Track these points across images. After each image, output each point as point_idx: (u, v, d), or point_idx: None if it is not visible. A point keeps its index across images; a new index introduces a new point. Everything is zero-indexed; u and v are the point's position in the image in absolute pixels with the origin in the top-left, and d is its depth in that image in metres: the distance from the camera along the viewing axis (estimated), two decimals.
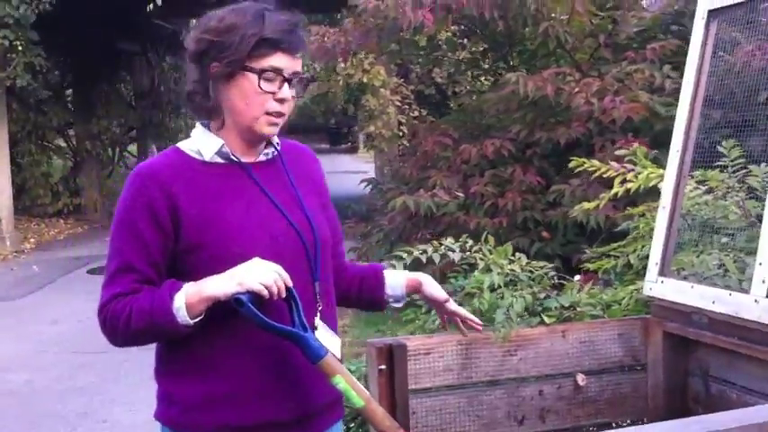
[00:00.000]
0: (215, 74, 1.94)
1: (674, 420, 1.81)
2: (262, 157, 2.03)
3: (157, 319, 1.86)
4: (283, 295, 1.88)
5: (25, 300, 8.92)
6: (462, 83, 10.55)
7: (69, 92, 17.13)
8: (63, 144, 16.80)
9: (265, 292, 1.84)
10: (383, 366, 2.59)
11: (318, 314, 2.00)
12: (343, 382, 1.96)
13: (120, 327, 1.89)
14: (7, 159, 12.04)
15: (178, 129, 19.47)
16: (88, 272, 10.21)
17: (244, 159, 2.00)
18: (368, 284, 2.27)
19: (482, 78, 9.15)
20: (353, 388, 1.99)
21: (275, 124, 1.98)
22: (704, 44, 2.87)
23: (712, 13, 2.85)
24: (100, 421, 5.30)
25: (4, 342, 7.25)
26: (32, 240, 12.68)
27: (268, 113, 1.95)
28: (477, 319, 2.37)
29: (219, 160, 1.98)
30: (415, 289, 2.29)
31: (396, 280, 2.27)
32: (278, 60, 1.93)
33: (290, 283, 1.88)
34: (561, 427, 2.82)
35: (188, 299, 1.85)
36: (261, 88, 1.92)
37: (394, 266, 2.88)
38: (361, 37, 7.13)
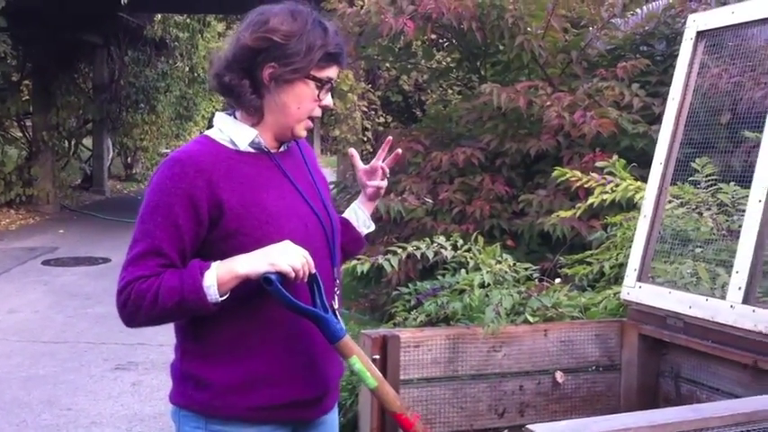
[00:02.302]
0: (272, 74, 2.00)
1: (672, 408, 1.93)
2: (282, 148, 2.13)
3: (188, 297, 1.89)
4: (306, 279, 1.97)
5: None
6: (429, 91, 10.67)
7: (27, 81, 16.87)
8: (19, 134, 16.55)
9: (293, 275, 1.92)
10: (377, 356, 2.69)
11: (336, 297, 2.11)
12: (359, 362, 2.05)
13: (145, 305, 1.92)
14: None
15: (134, 123, 19.32)
16: (43, 263, 10.01)
17: (271, 150, 2.09)
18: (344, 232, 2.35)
19: (452, 87, 9.27)
20: (368, 369, 2.08)
21: (309, 128, 2.10)
22: (691, 63, 3.04)
23: (700, 35, 3.02)
24: (65, 409, 5.26)
25: None
26: None
27: (310, 118, 2.06)
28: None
29: (251, 150, 2.05)
30: (366, 198, 2.43)
31: (351, 211, 2.43)
32: (332, 72, 2.05)
33: (314, 269, 1.98)
34: (539, 422, 2.94)
35: (219, 277, 1.91)
36: (319, 98, 2.04)
37: (388, 261, 2.99)
38: None
